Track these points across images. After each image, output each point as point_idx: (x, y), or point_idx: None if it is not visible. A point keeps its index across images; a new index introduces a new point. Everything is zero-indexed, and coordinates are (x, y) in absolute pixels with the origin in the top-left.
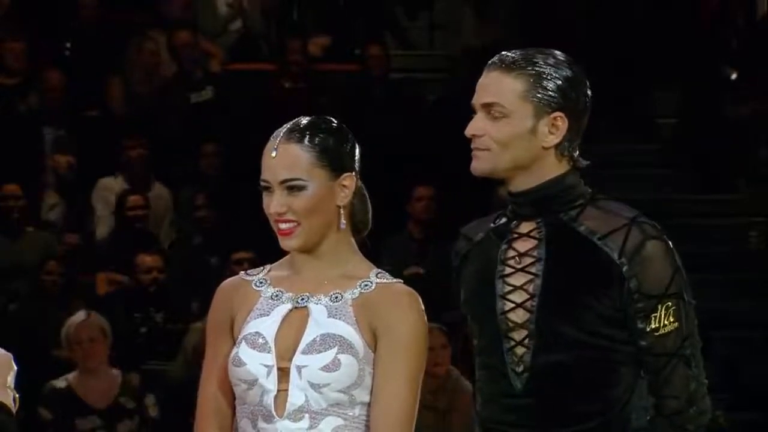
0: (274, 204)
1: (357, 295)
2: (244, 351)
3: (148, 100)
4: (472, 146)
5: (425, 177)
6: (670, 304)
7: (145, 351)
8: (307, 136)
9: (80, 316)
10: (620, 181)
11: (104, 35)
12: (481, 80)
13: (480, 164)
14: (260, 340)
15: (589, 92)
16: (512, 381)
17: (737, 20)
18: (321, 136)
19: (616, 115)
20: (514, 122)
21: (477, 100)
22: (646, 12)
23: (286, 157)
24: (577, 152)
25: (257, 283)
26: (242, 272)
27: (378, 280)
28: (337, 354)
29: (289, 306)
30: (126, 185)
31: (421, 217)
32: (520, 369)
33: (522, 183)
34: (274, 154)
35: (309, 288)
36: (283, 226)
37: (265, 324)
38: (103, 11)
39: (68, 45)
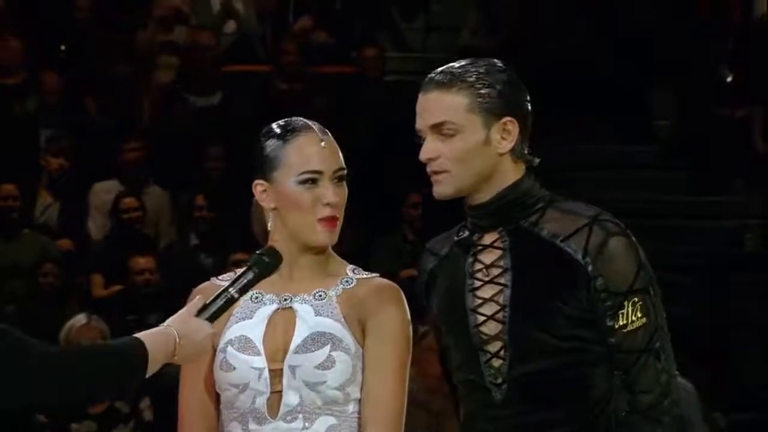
0: (331, 193)
1: (340, 292)
2: (232, 355)
3: (146, 102)
4: (429, 170)
5: (420, 180)
6: (636, 299)
7: None
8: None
9: (81, 319)
10: (618, 183)
11: (100, 36)
12: (421, 103)
13: (442, 188)
14: (248, 344)
15: (527, 95)
16: (492, 393)
17: (734, 20)
18: None
19: (613, 116)
20: (466, 137)
21: (423, 123)
22: (644, 13)
23: (333, 147)
24: (527, 150)
25: None
26: (213, 278)
27: (356, 276)
28: (330, 351)
29: (274, 307)
30: (121, 187)
31: (415, 220)
32: (498, 381)
33: (483, 195)
34: (323, 144)
35: (290, 288)
36: (331, 217)
37: (250, 327)
38: (98, 12)
39: (63, 47)
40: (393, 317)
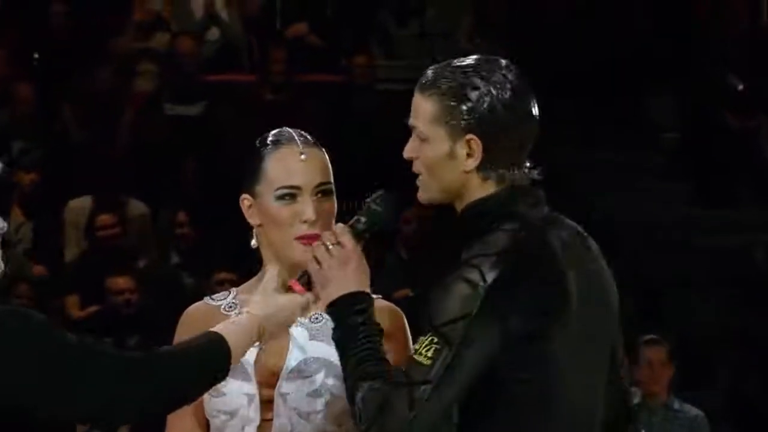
0: (309, 210)
1: None
2: None
3: (126, 112)
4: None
5: (413, 195)
6: (436, 340)
7: None
8: (317, 145)
9: None
10: (623, 195)
11: (75, 43)
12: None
13: (420, 192)
14: (239, 368)
15: (529, 106)
16: None
17: (741, 27)
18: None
19: (615, 126)
20: (433, 146)
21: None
22: (647, 20)
23: (316, 160)
24: (517, 169)
25: (226, 308)
26: (206, 297)
27: None
28: (324, 378)
29: None
30: (94, 204)
31: (409, 238)
32: None
33: (457, 207)
34: (303, 157)
35: None
36: (310, 235)
37: None
38: (73, 18)
39: (37, 55)
40: (392, 341)
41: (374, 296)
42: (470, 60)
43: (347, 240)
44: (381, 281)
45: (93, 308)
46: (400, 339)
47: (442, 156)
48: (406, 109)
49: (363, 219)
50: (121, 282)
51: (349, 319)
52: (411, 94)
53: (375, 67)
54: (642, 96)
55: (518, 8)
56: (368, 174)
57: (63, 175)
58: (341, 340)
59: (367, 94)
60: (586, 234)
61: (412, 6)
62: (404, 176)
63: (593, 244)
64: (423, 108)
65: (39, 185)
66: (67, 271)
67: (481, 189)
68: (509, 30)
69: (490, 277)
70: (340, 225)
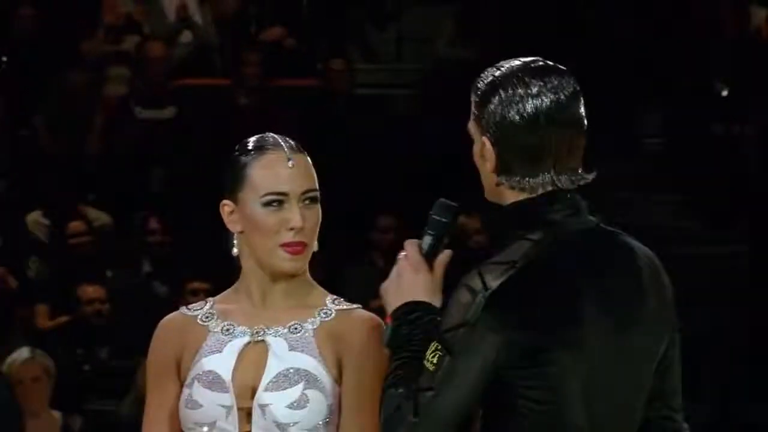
0: (297, 217)
1: (318, 325)
2: (198, 392)
3: (97, 117)
4: None
5: (390, 202)
6: (439, 347)
7: (89, 391)
8: (302, 151)
9: (23, 353)
10: (611, 202)
11: (43, 48)
12: None
13: None
14: (216, 379)
15: (561, 117)
16: None
17: (729, 31)
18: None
19: (600, 134)
20: (474, 145)
21: None
22: (635, 27)
23: (303, 167)
24: (535, 179)
25: (203, 318)
26: (182, 307)
27: (336, 307)
28: (304, 390)
29: (245, 340)
30: (46, 216)
31: (386, 246)
32: None
33: None
34: (291, 163)
35: (264, 320)
36: (296, 243)
37: (219, 361)
38: (41, 23)
39: (4, 59)
40: (372, 352)
41: (352, 305)
42: (510, 63)
43: (411, 252)
44: (357, 290)
45: (63, 318)
46: (372, 347)
47: (477, 154)
48: (383, 114)
49: (431, 232)
50: (92, 291)
51: (399, 329)
52: (389, 99)
53: (352, 72)
54: (632, 105)
55: (509, 11)
56: (346, 180)
57: (31, 181)
58: (390, 349)
59: (344, 99)
60: (635, 247)
61: (389, 10)
62: (382, 185)
63: (643, 258)
64: (472, 105)
65: (5, 192)
66: (35, 280)
67: (505, 194)
68: (500, 31)
69: (493, 285)
70: (411, 240)
